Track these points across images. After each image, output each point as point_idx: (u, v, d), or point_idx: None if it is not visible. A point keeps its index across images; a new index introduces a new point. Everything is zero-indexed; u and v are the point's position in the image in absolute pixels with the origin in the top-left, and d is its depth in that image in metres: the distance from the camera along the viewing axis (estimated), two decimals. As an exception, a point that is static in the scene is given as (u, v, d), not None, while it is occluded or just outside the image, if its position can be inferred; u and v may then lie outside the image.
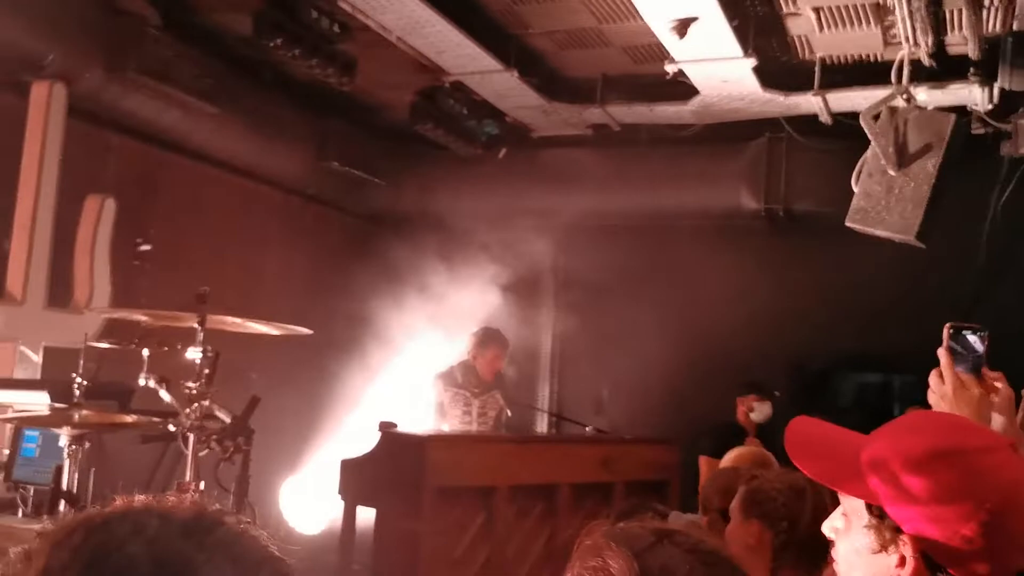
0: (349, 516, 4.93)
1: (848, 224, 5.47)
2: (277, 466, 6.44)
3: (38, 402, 3.46)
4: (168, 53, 5.37)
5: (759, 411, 5.85)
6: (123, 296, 5.23)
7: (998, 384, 1.58)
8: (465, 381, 5.85)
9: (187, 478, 3.06)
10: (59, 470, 3.08)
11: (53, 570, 0.81)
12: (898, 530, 1.23)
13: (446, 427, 5.74)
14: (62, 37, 4.80)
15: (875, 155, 5.27)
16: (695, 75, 5.70)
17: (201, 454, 3.20)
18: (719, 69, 5.55)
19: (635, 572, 1.10)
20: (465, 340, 5.97)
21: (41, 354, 4.56)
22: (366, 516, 4.83)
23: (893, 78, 5.26)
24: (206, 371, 3.13)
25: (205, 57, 5.67)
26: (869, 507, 1.26)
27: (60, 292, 5.03)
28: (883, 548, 1.24)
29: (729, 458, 3.89)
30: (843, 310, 6.61)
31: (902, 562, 1.22)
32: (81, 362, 3.29)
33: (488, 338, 5.89)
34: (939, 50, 5.22)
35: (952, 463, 1.22)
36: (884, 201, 5.31)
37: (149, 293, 5.49)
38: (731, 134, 6.58)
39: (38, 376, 4.59)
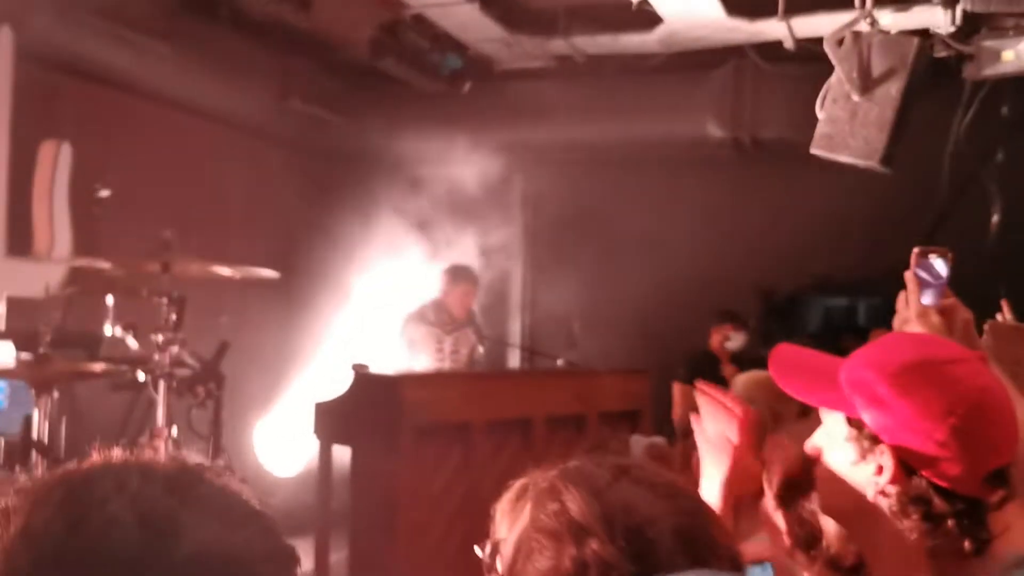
0: (325, 457, 4.96)
1: (813, 151, 5.48)
2: (250, 410, 6.44)
3: (3, 353, 3.41)
4: (119, -9, 5.22)
5: (735, 340, 5.96)
6: (85, 243, 5.15)
7: (956, 311, 1.62)
8: (437, 319, 5.86)
9: (159, 425, 3.05)
10: (28, 420, 3.05)
11: (35, 528, 0.79)
12: (876, 440, 1.29)
13: (417, 366, 5.75)
14: (6, -23, 4.63)
15: (839, 81, 5.26)
16: (659, 2, 5.62)
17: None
18: (683, -5, 5.48)
19: (596, 513, 1.07)
20: (435, 278, 5.97)
21: (4, 304, 4.49)
22: (342, 456, 4.87)
23: (857, 1, 5.22)
24: (173, 317, 3.09)
25: (158, -5, 5.52)
26: (849, 420, 1.33)
27: (20, 241, 4.94)
28: (863, 458, 1.31)
29: (743, 384, 3.83)
30: (810, 236, 6.66)
31: (880, 470, 1.28)
32: (46, 311, 3.25)
33: (458, 275, 5.89)
34: (902, -28, 5.19)
35: (924, 373, 1.28)
36: (848, 127, 5.31)
37: (111, 240, 5.40)
38: (697, 63, 6.53)
39: (1, 327, 4.53)
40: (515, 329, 7.79)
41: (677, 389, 5.75)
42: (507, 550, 1.14)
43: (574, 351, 6.92)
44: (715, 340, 6.04)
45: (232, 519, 0.84)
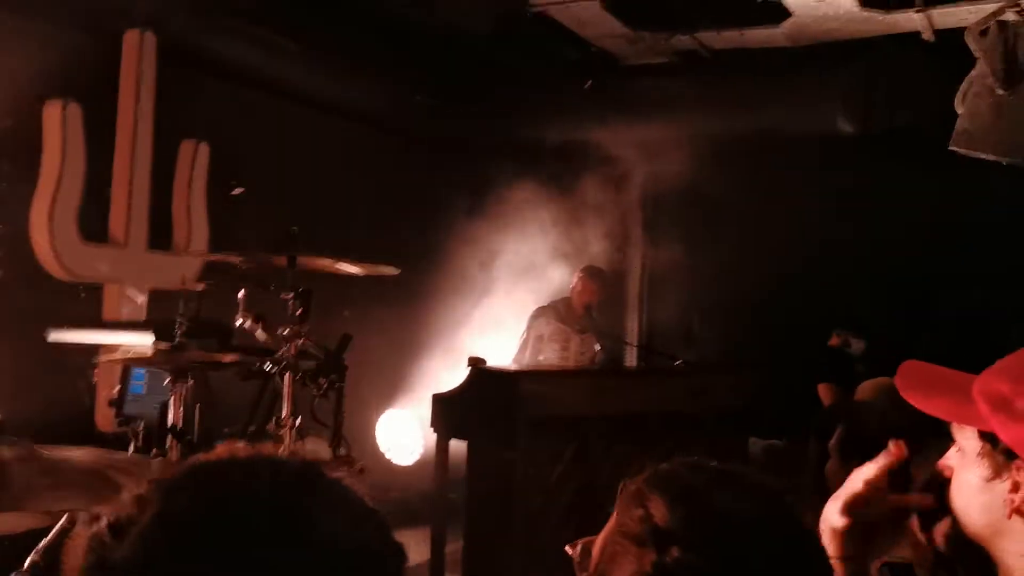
0: (442, 448, 5.05)
1: (952, 147, 5.23)
2: (373, 401, 6.61)
3: (143, 342, 3.62)
4: (252, -6, 5.42)
5: (855, 346, 5.77)
6: (221, 238, 5.38)
7: None
8: (567, 316, 5.92)
9: (284, 414, 3.16)
10: (164, 406, 3.22)
11: (171, 513, 0.83)
12: (1011, 455, 1.22)
13: (542, 359, 5.81)
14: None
15: (982, 74, 5.00)
16: (787, -5, 5.48)
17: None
18: (813, -13, 5.32)
19: (681, 519, 1.04)
20: (568, 275, 6.07)
21: (146, 295, 4.75)
22: (459, 447, 4.95)
23: (1003, -11, 4.96)
24: (299, 310, 3.20)
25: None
26: (982, 435, 1.26)
27: (161, 236, 5.21)
28: (996, 475, 1.24)
29: (867, 390, 3.72)
30: (947, 234, 6.37)
31: (1015, 488, 1.22)
32: (181, 303, 3.42)
33: (593, 275, 6.01)
34: (1054, -43, 4.88)
35: None
36: (991, 122, 5.05)
37: (245, 234, 5.64)
38: (827, 55, 6.31)
39: (143, 317, 4.79)
40: (632, 327, 7.73)
41: (824, 390, 5.62)
42: (595, 551, 1.14)
43: (692, 349, 6.83)
44: (835, 341, 5.87)
45: (355, 514, 0.88)
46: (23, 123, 4.68)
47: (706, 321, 7.33)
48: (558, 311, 5.96)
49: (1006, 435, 1.22)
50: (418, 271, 6.51)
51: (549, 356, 5.90)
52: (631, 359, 7.25)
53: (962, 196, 6.03)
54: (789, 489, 1.16)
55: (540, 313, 6.01)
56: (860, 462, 2.30)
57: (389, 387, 6.73)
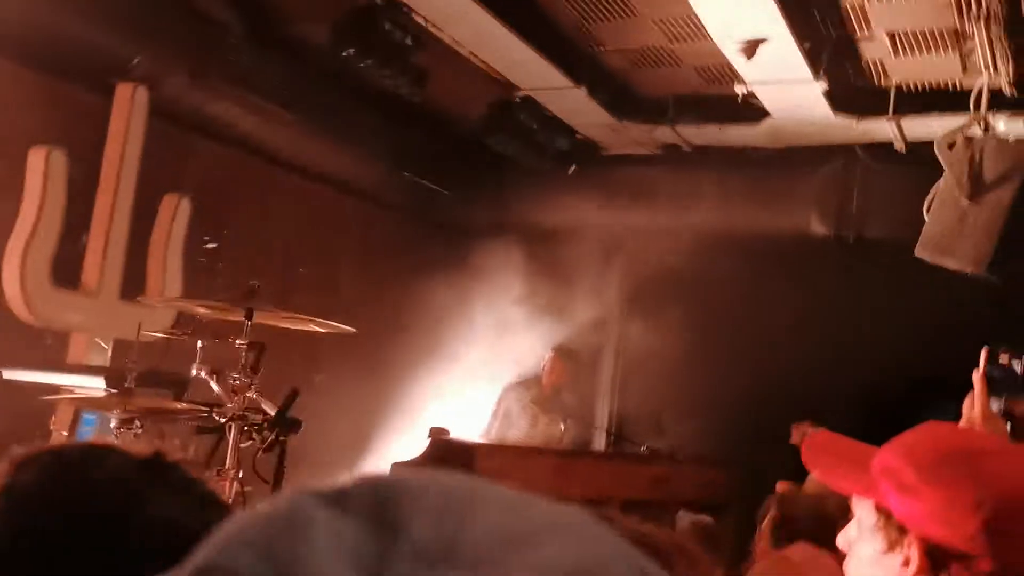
0: (396, 518, 5.00)
1: (918, 254, 5.34)
2: (332, 465, 6.56)
3: (95, 386, 3.63)
4: (249, 61, 5.59)
5: None
6: (193, 292, 5.43)
7: None
8: (537, 395, 5.94)
9: (226, 466, 3.16)
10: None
11: (17, 487, 0.88)
12: (904, 530, 1.24)
13: (508, 437, 5.81)
14: (148, 42, 5.02)
15: (948, 184, 5.15)
16: (766, 97, 5.66)
17: (244, 445, 3.30)
18: (790, 92, 5.49)
19: None
20: (541, 352, 6.12)
21: (111, 344, 4.77)
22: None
23: (971, 106, 5.14)
24: (251, 363, 3.23)
25: (285, 65, 5.87)
26: (878, 508, 1.29)
27: (133, 287, 5.25)
28: (890, 548, 1.26)
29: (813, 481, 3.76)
30: (914, 337, 6.42)
31: (907, 561, 1.24)
32: (136, 350, 3.44)
33: (559, 354, 6.05)
34: (1020, 78, 5.07)
35: (955, 463, 1.24)
36: (956, 231, 5.17)
37: (220, 291, 5.67)
38: (803, 157, 6.48)
39: (106, 364, 4.80)
40: (603, 410, 7.73)
41: (781, 486, 5.57)
42: None
43: (661, 438, 6.82)
44: (795, 436, 5.85)
45: (193, 501, 0.92)
46: (8, 167, 4.78)
47: (677, 411, 7.33)
48: (528, 389, 5.99)
49: (898, 509, 1.25)
50: (388, 338, 6.55)
51: (516, 433, 5.90)
52: (599, 443, 7.24)
53: (928, 300, 6.12)
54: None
55: (511, 389, 6.05)
56: (789, 544, 2.31)
57: (349, 452, 6.69)
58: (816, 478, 1.41)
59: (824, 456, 1.45)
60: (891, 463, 1.28)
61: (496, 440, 5.93)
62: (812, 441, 1.46)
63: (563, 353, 6.15)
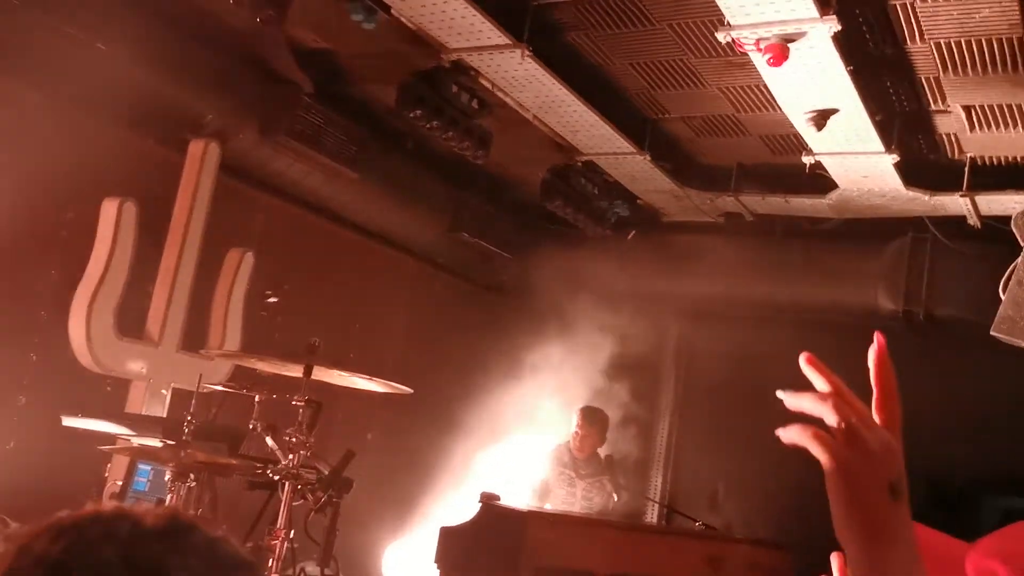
0: (444, 586, 4.88)
1: (993, 333, 5.15)
2: (386, 528, 6.48)
3: (151, 438, 3.62)
4: (317, 120, 5.68)
5: None
6: (252, 346, 5.45)
7: None
8: (571, 461, 5.79)
9: (279, 525, 3.11)
10: (160, 505, 3.19)
11: (20, 571, 0.81)
12: None
13: (548, 506, 5.65)
14: (221, 100, 5.14)
15: (1025, 262, 4.98)
16: (834, 168, 5.57)
17: (296, 504, 3.25)
18: (859, 164, 5.40)
19: None
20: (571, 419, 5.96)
21: (169, 394, 4.80)
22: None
23: (1048, 182, 5.00)
24: (307, 420, 3.20)
25: (351, 125, 5.95)
26: None
27: (195, 338, 5.29)
28: None
29: None
30: (988, 426, 6.17)
31: None
32: (193, 403, 3.43)
33: (584, 418, 5.89)
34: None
35: None
36: (1033, 311, 4.99)
37: (277, 345, 5.70)
38: (871, 231, 6.35)
39: (163, 414, 4.82)
40: (656, 483, 7.54)
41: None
42: None
43: (715, 514, 6.61)
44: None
45: (221, 566, 0.85)
46: (83, 216, 4.88)
47: (732, 487, 7.12)
48: (561, 457, 5.85)
49: None
50: (440, 399, 6.49)
51: (555, 503, 5.75)
52: (652, 516, 7.05)
53: (1003, 385, 5.89)
54: None
55: (548, 457, 5.93)
56: None
57: (402, 514, 6.60)
58: None
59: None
60: (987, 565, 1.22)
61: (537, 507, 5.79)
62: None
63: (586, 415, 5.98)
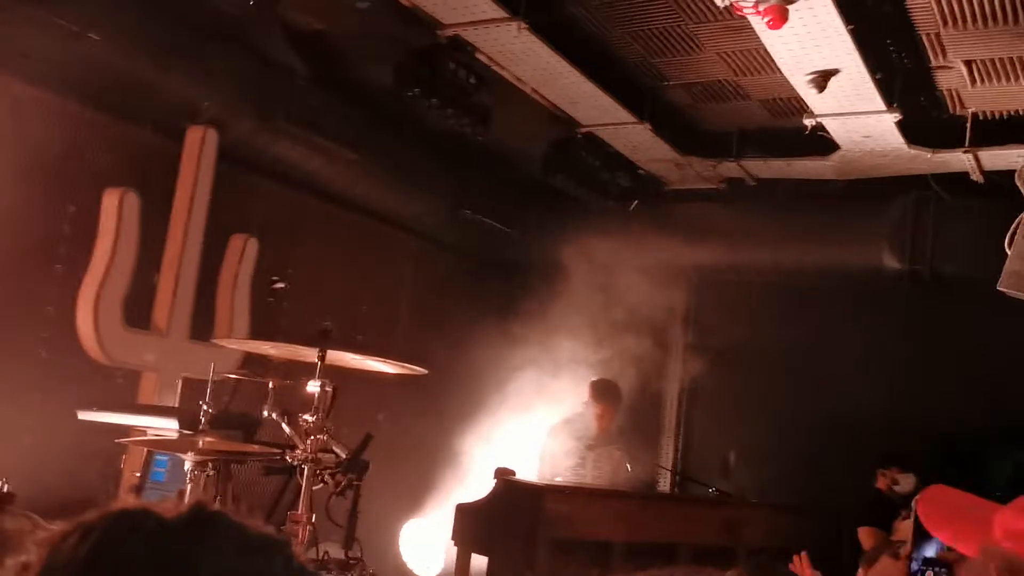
0: (463, 563, 4.92)
1: (1000, 288, 5.14)
2: (402, 508, 6.50)
3: (168, 428, 3.63)
4: (315, 103, 5.64)
5: (903, 483, 5.50)
6: (260, 332, 5.45)
7: None
8: (580, 433, 5.80)
9: (299, 510, 3.12)
10: (181, 495, 3.20)
11: (53, 569, 0.82)
12: None
13: (559, 478, 5.67)
14: (218, 87, 5.10)
15: (1031, 216, 4.97)
16: (835, 129, 5.54)
17: (315, 488, 3.26)
18: (861, 123, 5.37)
19: None
20: (582, 391, 5.95)
21: (180, 384, 4.79)
22: (480, 562, 4.81)
23: (1053, 134, 4.97)
24: (324, 405, 3.20)
25: (349, 107, 5.91)
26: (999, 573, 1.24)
27: (203, 326, 5.28)
28: None
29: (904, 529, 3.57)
30: (996, 378, 6.18)
31: None
32: (208, 392, 3.43)
33: (598, 392, 5.87)
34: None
35: None
36: (1040, 264, 4.98)
37: (285, 330, 5.70)
38: (874, 191, 6.32)
39: (175, 404, 4.82)
40: (667, 451, 7.56)
41: (864, 533, 5.33)
42: None
43: (728, 480, 6.63)
44: (882, 483, 5.60)
45: (251, 548, 0.86)
46: (84, 209, 4.86)
47: (744, 452, 7.15)
48: (568, 429, 5.84)
49: None
50: (450, 378, 6.49)
51: (565, 475, 5.75)
52: (664, 484, 7.08)
53: (1010, 339, 5.90)
54: None
55: (551, 431, 5.91)
56: None
57: (416, 493, 6.63)
58: (933, 534, 1.32)
59: (942, 514, 1.37)
60: (1016, 525, 1.23)
61: (557, 483, 5.80)
62: (929, 496, 1.41)
63: (598, 388, 5.95)
